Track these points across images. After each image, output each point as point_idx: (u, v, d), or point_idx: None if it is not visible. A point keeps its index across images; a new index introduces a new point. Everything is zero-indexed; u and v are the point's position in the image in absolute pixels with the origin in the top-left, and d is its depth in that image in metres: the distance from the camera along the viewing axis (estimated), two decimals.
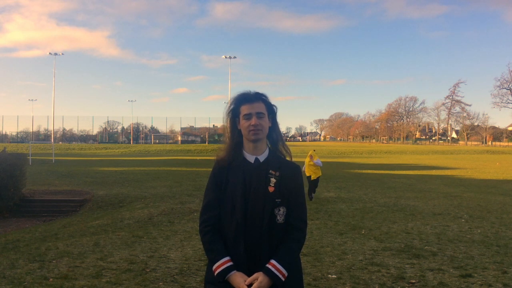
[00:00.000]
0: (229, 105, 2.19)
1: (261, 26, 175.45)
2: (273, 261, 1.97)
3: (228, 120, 2.16)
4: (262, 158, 2.12)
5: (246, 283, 1.93)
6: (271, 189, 2.04)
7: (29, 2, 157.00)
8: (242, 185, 2.04)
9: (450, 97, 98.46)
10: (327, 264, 5.54)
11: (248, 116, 2.07)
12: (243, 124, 2.08)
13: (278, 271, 1.95)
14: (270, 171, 2.08)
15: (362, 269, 5.33)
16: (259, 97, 2.13)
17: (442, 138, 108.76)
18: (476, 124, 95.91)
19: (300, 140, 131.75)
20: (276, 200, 2.04)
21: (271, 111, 2.15)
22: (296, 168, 2.17)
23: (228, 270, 1.97)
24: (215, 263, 2.00)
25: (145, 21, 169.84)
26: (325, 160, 26.94)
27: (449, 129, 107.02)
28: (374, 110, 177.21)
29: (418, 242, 6.86)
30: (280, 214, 2.04)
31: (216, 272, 1.98)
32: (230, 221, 2.03)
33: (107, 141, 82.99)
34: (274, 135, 2.17)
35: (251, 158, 2.11)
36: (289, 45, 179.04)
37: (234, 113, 2.14)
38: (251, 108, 2.08)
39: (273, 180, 2.06)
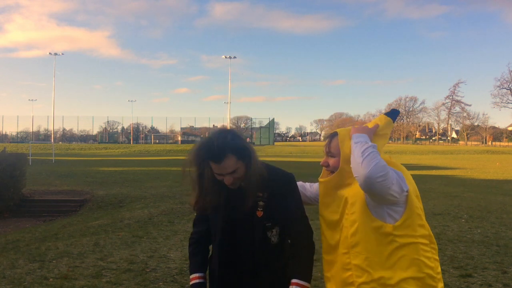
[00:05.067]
0: (192, 156, 1.87)
1: (261, 26, 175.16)
2: (294, 280, 1.94)
3: (196, 167, 1.87)
4: (244, 182, 1.90)
5: None
6: (259, 213, 1.90)
7: (29, 2, 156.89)
8: (227, 216, 1.94)
9: (450, 97, 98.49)
10: None
11: (219, 175, 1.84)
12: (216, 176, 1.86)
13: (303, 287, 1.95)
14: (256, 193, 1.88)
15: None
16: (225, 152, 1.79)
17: (442, 138, 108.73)
18: (476, 124, 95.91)
19: (300, 140, 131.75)
20: (267, 224, 1.92)
21: (243, 156, 1.84)
22: (287, 177, 1.99)
23: (196, 286, 2.04)
24: (190, 274, 2.08)
25: (145, 21, 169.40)
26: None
27: (449, 129, 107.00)
28: (374, 110, 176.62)
29: None
30: (274, 235, 1.95)
31: (190, 284, 2.07)
32: (220, 248, 2.00)
33: (107, 141, 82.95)
34: (247, 178, 1.87)
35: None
36: (289, 45, 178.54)
37: (201, 163, 1.85)
38: (221, 169, 1.81)
39: (260, 203, 1.90)
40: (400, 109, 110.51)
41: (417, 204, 1.86)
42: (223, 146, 1.79)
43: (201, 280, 2.04)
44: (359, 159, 1.74)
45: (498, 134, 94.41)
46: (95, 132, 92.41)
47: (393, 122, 2.11)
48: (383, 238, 1.78)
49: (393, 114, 2.12)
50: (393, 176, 1.75)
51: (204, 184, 1.86)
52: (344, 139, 1.93)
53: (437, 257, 1.88)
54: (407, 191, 1.81)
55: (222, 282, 2.02)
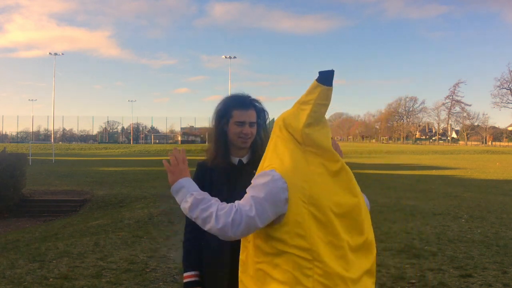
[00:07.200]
0: (220, 105, 2.12)
1: (261, 26, 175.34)
2: None
3: (216, 120, 2.10)
4: (245, 159, 2.12)
5: None
6: None
7: (29, 2, 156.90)
8: (227, 188, 2.05)
9: (450, 97, 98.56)
10: None
11: (240, 124, 2.04)
12: (234, 129, 2.05)
13: None
14: (254, 171, 2.06)
15: None
16: (252, 104, 2.08)
17: (442, 138, 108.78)
18: (476, 124, 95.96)
19: None
20: None
21: (259, 116, 2.12)
22: None
23: (190, 284, 2.04)
24: (184, 272, 2.08)
25: (145, 21, 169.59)
26: None
27: (449, 129, 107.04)
28: (374, 110, 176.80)
29: (418, 242, 6.86)
30: None
31: (183, 282, 2.07)
32: None
33: (107, 141, 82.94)
34: (259, 140, 2.12)
35: (234, 160, 2.12)
36: (289, 45, 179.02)
37: (223, 115, 2.08)
38: (245, 116, 2.04)
39: None
40: (400, 109, 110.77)
41: (300, 210, 1.54)
42: (249, 99, 2.09)
43: (197, 279, 2.04)
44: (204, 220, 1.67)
45: (498, 134, 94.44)
46: (95, 132, 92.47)
47: (326, 86, 1.58)
48: (267, 239, 1.60)
49: (322, 76, 1.58)
50: (254, 215, 1.54)
51: (220, 136, 2.07)
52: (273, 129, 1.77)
53: (326, 282, 1.52)
54: (286, 201, 1.55)
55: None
